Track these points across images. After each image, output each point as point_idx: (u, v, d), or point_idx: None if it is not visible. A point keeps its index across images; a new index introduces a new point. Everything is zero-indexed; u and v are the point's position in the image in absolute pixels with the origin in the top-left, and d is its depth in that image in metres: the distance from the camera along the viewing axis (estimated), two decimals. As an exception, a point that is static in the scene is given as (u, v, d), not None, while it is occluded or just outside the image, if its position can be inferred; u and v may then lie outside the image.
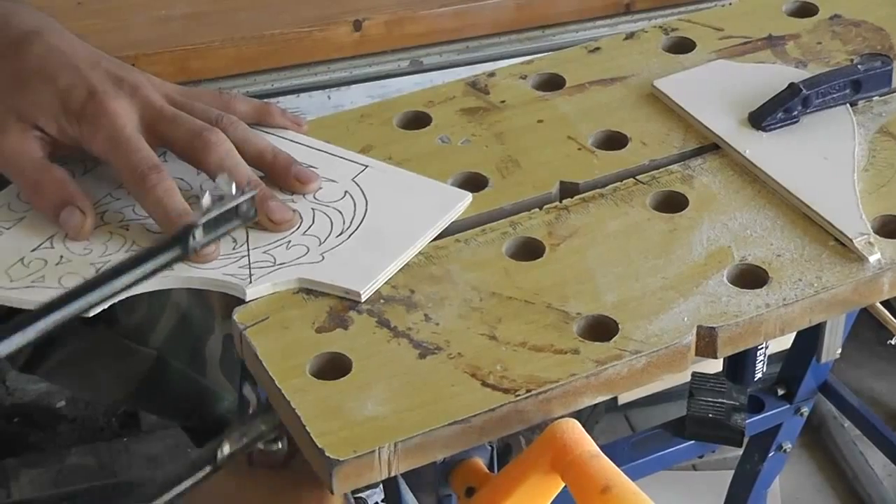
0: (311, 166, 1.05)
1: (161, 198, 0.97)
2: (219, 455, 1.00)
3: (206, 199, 0.93)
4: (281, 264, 0.96)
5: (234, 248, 0.98)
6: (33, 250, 0.98)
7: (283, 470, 1.09)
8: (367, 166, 1.06)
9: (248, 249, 0.98)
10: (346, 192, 1.04)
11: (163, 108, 1.01)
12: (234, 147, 1.00)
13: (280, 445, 1.02)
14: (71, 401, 2.15)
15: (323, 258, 0.97)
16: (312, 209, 1.02)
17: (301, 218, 1.01)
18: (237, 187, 0.93)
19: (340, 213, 1.01)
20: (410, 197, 1.03)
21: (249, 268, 0.96)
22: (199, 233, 0.92)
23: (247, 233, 0.99)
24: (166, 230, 0.97)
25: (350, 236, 0.99)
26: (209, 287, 0.96)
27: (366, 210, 1.02)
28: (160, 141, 1.01)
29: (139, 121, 1.00)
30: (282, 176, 1.02)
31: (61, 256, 0.97)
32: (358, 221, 1.01)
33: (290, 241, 0.99)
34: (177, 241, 0.92)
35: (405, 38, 1.54)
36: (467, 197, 1.03)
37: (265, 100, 1.52)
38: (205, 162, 0.99)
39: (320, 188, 1.04)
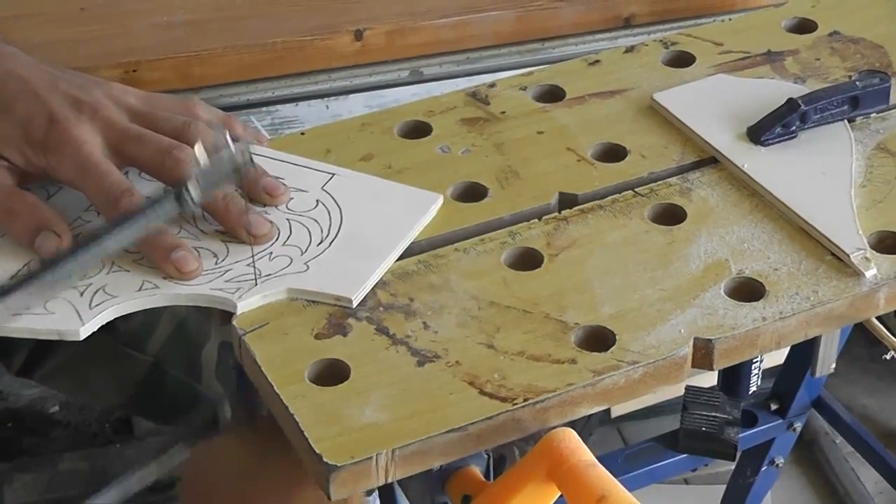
0: (279, 177, 1.05)
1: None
2: (220, 419, 1.00)
3: (199, 149, 0.92)
4: (267, 276, 0.97)
5: (216, 263, 0.98)
6: (11, 277, 0.96)
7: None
8: (334, 174, 1.07)
9: (253, 255, 0.98)
10: (318, 201, 1.04)
11: (126, 129, 1.01)
12: None
13: None
14: (64, 406, 2.15)
15: (308, 267, 0.98)
16: (288, 220, 1.02)
17: (278, 229, 1.01)
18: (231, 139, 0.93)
19: (317, 221, 1.02)
20: (383, 202, 1.04)
21: (255, 275, 0.96)
22: (193, 186, 0.92)
23: (289, 228, 1.00)
24: (145, 251, 0.97)
25: (331, 244, 1.00)
26: (198, 303, 0.96)
27: (341, 217, 1.02)
28: (127, 161, 1.01)
29: (104, 143, 1.00)
30: (251, 188, 1.02)
31: None
32: (336, 229, 1.01)
33: (271, 253, 0.99)
34: (171, 193, 0.91)
35: (406, 48, 1.54)
36: (439, 198, 1.04)
37: (262, 108, 1.54)
38: (176, 180, 0.99)
39: (291, 199, 1.04)
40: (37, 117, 0.99)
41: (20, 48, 1.08)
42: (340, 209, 1.03)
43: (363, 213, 1.03)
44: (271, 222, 1.01)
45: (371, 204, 1.04)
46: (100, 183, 0.98)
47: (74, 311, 0.93)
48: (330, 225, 1.02)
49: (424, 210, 1.03)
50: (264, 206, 1.03)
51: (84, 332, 0.93)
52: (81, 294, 0.95)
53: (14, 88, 1.01)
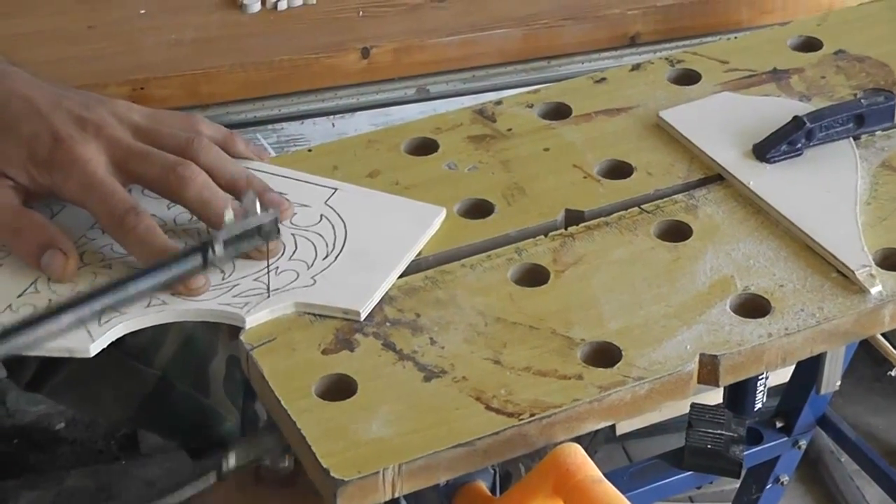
0: (282, 193, 1.05)
1: (143, 238, 0.97)
2: (224, 466, 1.00)
3: (229, 215, 0.93)
4: (275, 290, 0.97)
5: (223, 279, 0.98)
6: (19, 296, 0.97)
7: (289, 487, 1.09)
8: (336, 189, 1.07)
9: (269, 265, 0.98)
10: (321, 215, 1.05)
11: (130, 146, 1.01)
12: (208, 175, 1.01)
13: (287, 463, 1.02)
14: (70, 423, 2.16)
15: (315, 281, 0.98)
16: (292, 234, 1.03)
17: (284, 244, 1.02)
18: (261, 207, 0.94)
19: (321, 236, 1.02)
20: (386, 215, 1.05)
21: (268, 286, 0.97)
22: (219, 247, 0.93)
23: (294, 242, 1.02)
24: None
25: (336, 258, 1.00)
26: (206, 318, 0.97)
27: (346, 232, 1.03)
28: (132, 178, 1.01)
29: (108, 161, 1.00)
30: None
31: (50, 300, 0.96)
32: (341, 243, 1.02)
33: (278, 268, 0.99)
34: (196, 253, 0.92)
35: (412, 65, 1.55)
36: (442, 211, 1.05)
37: (268, 126, 1.54)
38: (182, 197, 0.99)
39: (295, 214, 1.04)
40: (41, 136, 1.00)
41: (29, 66, 1.09)
42: (344, 223, 1.04)
43: (367, 227, 1.03)
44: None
45: (374, 218, 1.04)
46: (105, 201, 0.98)
47: (84, 329, 0.94)
48: (335, 239, 1.02)
49: (428, 223, 1.04)
50: None
51: (94, 350, 0.93)
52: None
53: (18, 108, 1.01)
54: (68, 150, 0.99)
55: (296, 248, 1.01)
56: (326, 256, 1.00)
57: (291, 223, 1.04)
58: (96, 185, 0.98)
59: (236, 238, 0.94)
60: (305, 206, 1.05)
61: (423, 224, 1.03)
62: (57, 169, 0.99)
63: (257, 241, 0.95)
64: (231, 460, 1.02)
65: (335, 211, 1.05)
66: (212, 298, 0.97)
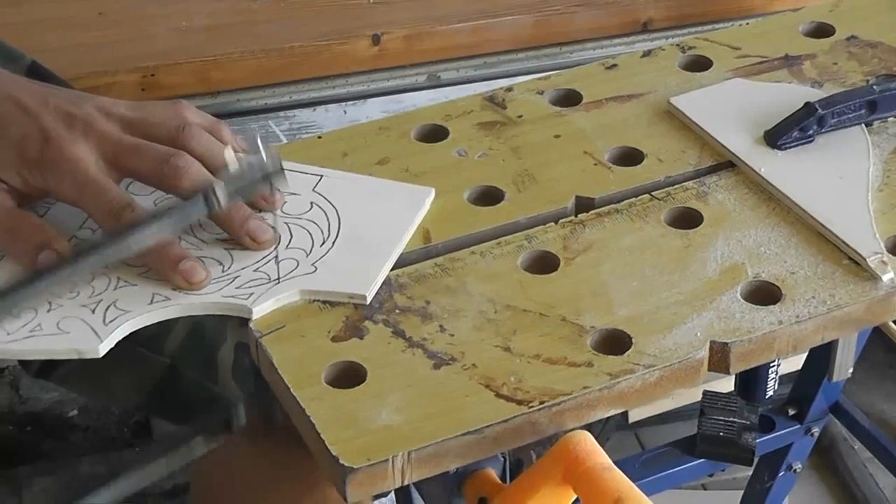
0: None
1: None
2: (234, 422, 1.01)
3: (229, 153, 0.93)
4: (277, 279, 0.97)
5: (223, 271, 0.98)
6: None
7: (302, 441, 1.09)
8: (322, 175, 1.07)
9: (277, 251, 0.99)
10: (311, 203, 1.05)
11: (121, 141, 1.00)
12: (201, 163, 1.00)
13: None
14: (83, 410, 2.16)
15: (316, 268, 0.98)
16: (286, 223, 1.02)
17: (279, 234, 1.01)
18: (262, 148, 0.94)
19: (315, 223, 1.02)
20: (376, 199, 1.05)
21: (279, 272, 0.97)
22: (220, 188, 0.92)
23: (289, 231, 1.01)
24: (151, 263, 0.98)
25: (333, 244, 1.00)
26: (212, 311, 0.96)
27: (339, 218, 1.03)
28: (125, 173, 1.00)
29: (100, 158, 0.99)
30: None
31: (50, 303, 0.96)
32: (335, 229, 1.02)
33: (277, 256, 0.99)
34: (199, 195, 0.92)
35: (423, 52, 1.55)
36: (431, 192, 1.05)
37: (280, 113, 1.54)
38: (178, 187, 0.98)
39: (285, 202, 1.04)
40: (31, 137, 0.99)
41: (39, 53, 1.09)
42: (336, 209, 1.04)
43: (359, 211, 1.03)
44: (273, 227, 1.01)
45: (364, 202, 1.04)
46: (100, 199, 0.97)
47: (90, 329, 0.94)
48: (329, 225, 1.02)
49: (419, 204, 1.04)
50: (260, 211, 1.03)
51: (103, 350, 0.93)
52: (93, 311, 0.95)
53: (5, 109, 1.00)
54: (59, 149, 0.98)
55: (291, 236, 1.01)
56: (323, 243, 1.00)
57: (283, 212, 1.03)
58: (90, 183, 0.98)
59: (238, 180, 0.93)
60: (294, 194, 1.05)
61: (415, 205, 1.04)
62: (49, 170, 0.98)
63: (262, 182, 0.95)
64: (241, 415, 1.01)
65: (324, 197, 1.05)
66: (215, 291, 0.96)
